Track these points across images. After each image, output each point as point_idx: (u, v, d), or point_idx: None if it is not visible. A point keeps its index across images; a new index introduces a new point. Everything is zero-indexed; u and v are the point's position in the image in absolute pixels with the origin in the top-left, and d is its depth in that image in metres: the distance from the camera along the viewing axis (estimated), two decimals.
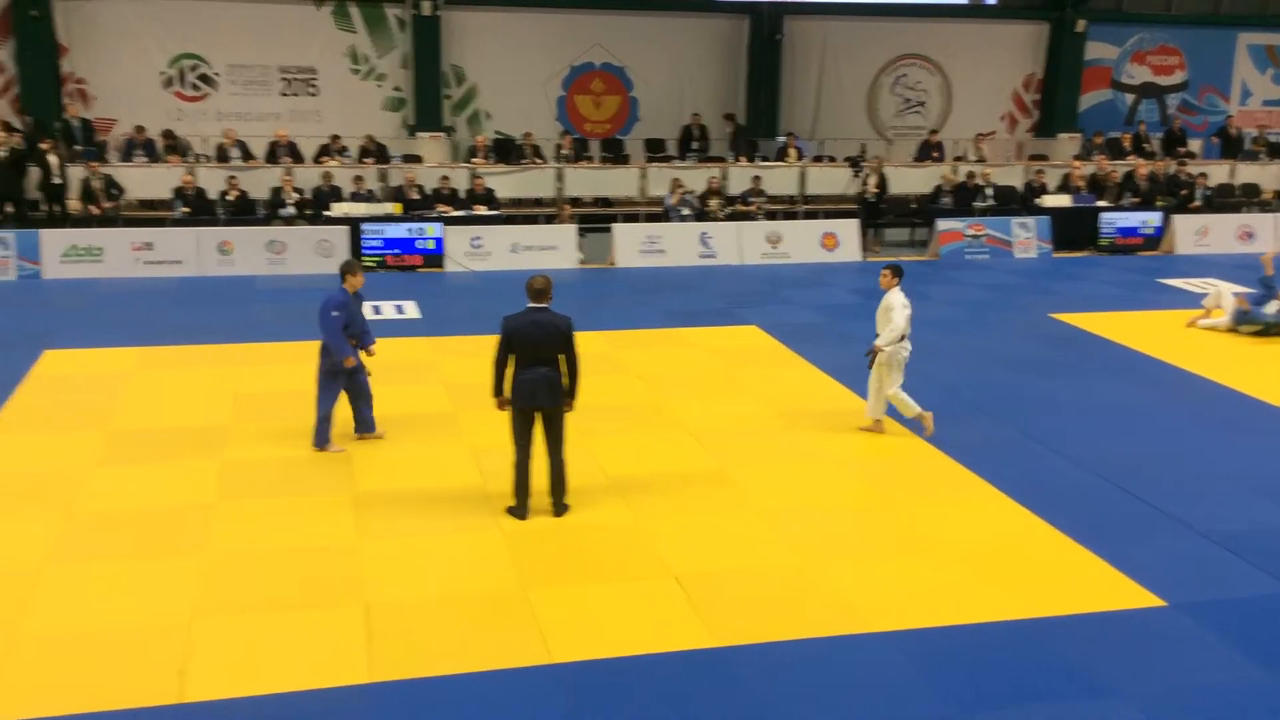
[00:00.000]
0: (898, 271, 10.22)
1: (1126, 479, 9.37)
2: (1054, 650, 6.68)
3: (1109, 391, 11.92)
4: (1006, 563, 7.84)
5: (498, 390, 8.31)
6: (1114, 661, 6.58)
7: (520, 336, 8.13)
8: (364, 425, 9.87)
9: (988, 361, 12.95)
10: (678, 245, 18.76)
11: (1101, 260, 19.86)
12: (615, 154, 23.53)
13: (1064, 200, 20.90)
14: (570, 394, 8.35)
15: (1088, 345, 13.86)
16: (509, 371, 8.24)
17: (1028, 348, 13.63)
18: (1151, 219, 20.74)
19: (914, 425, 10.34)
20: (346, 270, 9.62)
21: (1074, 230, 20.41)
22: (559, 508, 8.41)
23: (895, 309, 10.06)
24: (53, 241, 16.72)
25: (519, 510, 8.34)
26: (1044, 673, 6.44)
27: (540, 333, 8.15)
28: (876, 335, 10.23)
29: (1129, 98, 28.02)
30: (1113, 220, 20.60)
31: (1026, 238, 20.10)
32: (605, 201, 21.89)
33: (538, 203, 21.23)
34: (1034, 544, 8.18)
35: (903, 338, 10.08)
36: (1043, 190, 21.03)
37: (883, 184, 20.40)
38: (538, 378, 8.13)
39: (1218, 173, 22.99)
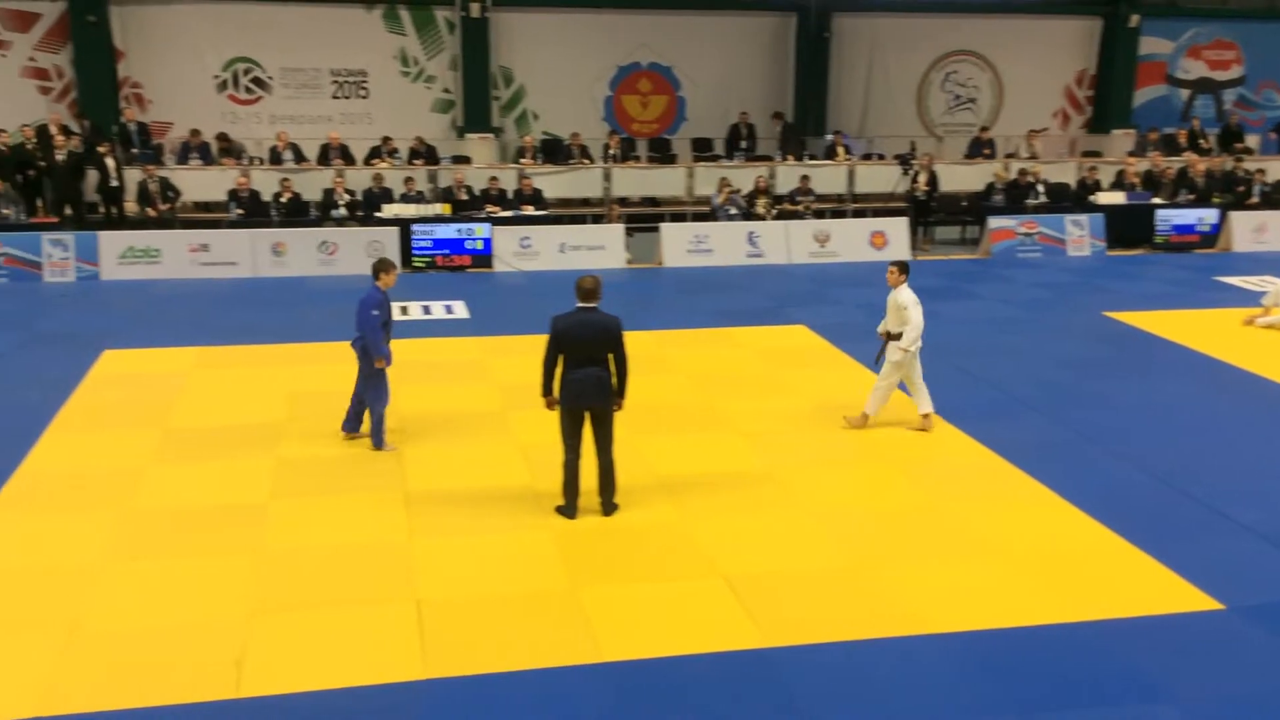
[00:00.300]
0: (904, 268, 10.24)
1: (1183, 480, 9.23)
2: (1108, 654, 6.60)
3: (1165, 391, 11.75)
4: (1060, 565, 7.75)
5: (547, 390, 8.34)
6: (1170, 666, 6.49)
7: (570, 336, 8.16)
8: (354, 424, 9.87)
9: (1041, 360, 12.81)
10: (725, 244, 18.73)
11: (1157, 258, 19.57)
12: (662, 154, 23.55)
13: (1118, 197, 20.63)
14: (619, 394, 8.36)
15: (1143, 344, 13.67)
16: (558, 371, 8.28)
17: (1082, 346, 13.47)
18: (1208, 216, 20.41)
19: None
20: (380, 269, 9.61)
21: (1128, 228, 20.13)
22: (608, 507, 8.44)
23: (909, 307, 10.04)
24: (111, 243, 17.03)
25: (568, 510, 8.38)
26: (1098, 677, 6.37)
27: (590, 332, 8.18)
28: (889, 334, 10.21)
29: (1184, 93, 27.58)
30: (1168, 217, 20.29)
31: (1080, 235, 19.86)
32: (652, 201, 21.92)
33: (585, 203, 21.30)
34: (1088, 546, 8.08)
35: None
36: (1096, 187, 20.77)
37: (933, 181, 20.25)
38: (587, 377, 8.16)
39: (1276, 168, 22.54)
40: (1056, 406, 11.15)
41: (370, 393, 9.64)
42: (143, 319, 14.43)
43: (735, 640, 6.70)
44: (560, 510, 8.40)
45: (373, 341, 9.42)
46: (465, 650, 6.53)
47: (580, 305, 8.25)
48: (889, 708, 6.06)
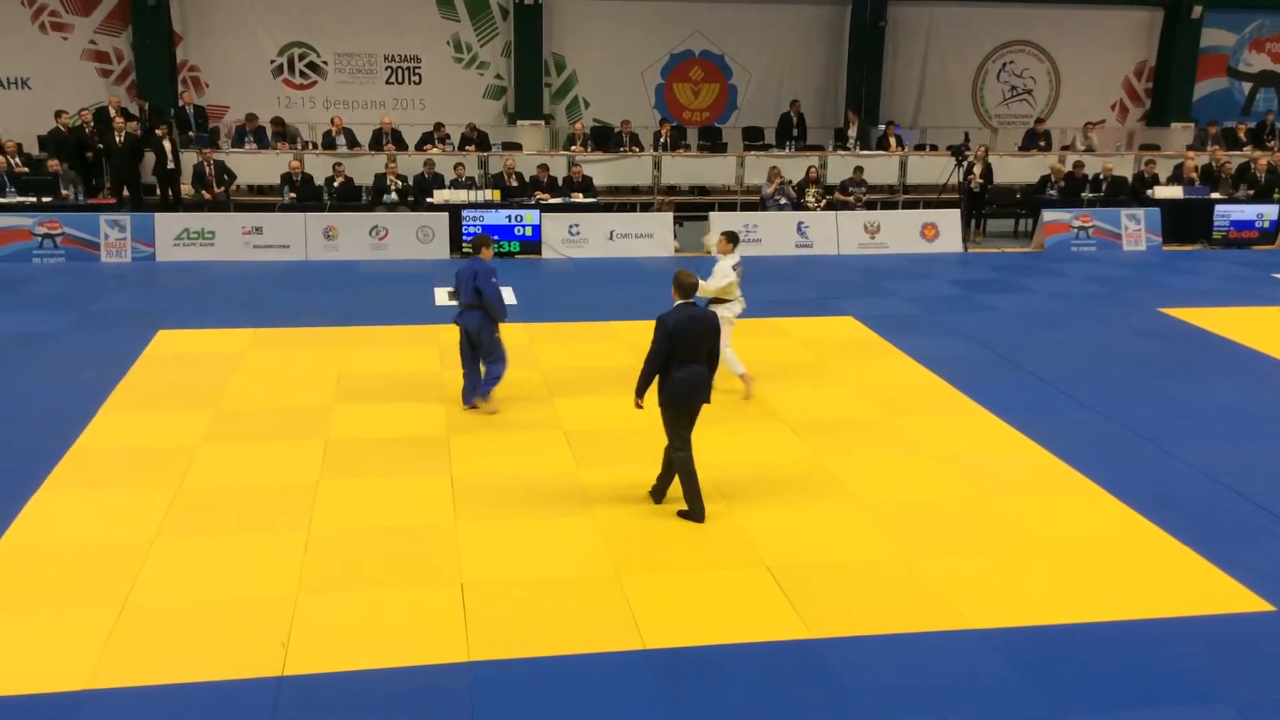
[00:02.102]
0: (732, 238, 10.76)
1: (1237, 480, 9.07)
2: (1158, 653, 6.51)
3: (1221, 389, 11.55)
4: (1108, 562, 7.65)
5: (643, 391, 8.12)
6: (1220, 666, 6.39)
7: (682, 332, 7.96)
8: (471, 395, 10.49)
9: (1094, 357, 12.63)
10: (774, 234, 18.64)
11: (1214, 254, 19.23)
12: (713, 142, 23.47)
13: (1176, 192, 20.28)
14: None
15: (1199, 341, 13.44)
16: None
17: (1136, 343, 13.27)
18: (1268, 212, 20.03)
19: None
20: (483, 244, 10.43)
21: (1186, 223, 19.81)
22: (660, 496, 8.41)
23: (715, 275, 10.50)
24: (166, 225, 17.25)
25: (696, 513, 8.13)
26: (1147, 676, 6.28)
27: (698, 328, 8.05)
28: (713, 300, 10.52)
29: (1246, 86, 27.06)
30: (1226, 213, 19.93)
31: (1136, 230, 19.56)
32: (702, 190, 21.87)
33: (635, 190, 21.30)
34: (1137, 543, 7.97)
35: (732, 300, 10.58)
36: (1154, 181, 20.43)
37: (987, 173, 20.01)
38: (695, 374, 8.04)
39: None
40: (1108, 403, 11.00)
41: (495, 356, 10.29)
42: (197, 300, 14.62)
43: (778, 631, 6.68)
44: (685, 515, 8.15)
45: (501, 307, 10.18)
46: (509, 634, 6.57)
47: (681, 301, 8.12)
48: (936, 701, 6.01)
